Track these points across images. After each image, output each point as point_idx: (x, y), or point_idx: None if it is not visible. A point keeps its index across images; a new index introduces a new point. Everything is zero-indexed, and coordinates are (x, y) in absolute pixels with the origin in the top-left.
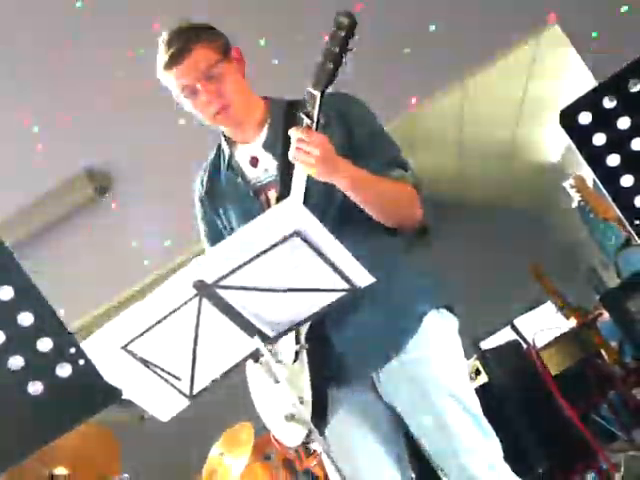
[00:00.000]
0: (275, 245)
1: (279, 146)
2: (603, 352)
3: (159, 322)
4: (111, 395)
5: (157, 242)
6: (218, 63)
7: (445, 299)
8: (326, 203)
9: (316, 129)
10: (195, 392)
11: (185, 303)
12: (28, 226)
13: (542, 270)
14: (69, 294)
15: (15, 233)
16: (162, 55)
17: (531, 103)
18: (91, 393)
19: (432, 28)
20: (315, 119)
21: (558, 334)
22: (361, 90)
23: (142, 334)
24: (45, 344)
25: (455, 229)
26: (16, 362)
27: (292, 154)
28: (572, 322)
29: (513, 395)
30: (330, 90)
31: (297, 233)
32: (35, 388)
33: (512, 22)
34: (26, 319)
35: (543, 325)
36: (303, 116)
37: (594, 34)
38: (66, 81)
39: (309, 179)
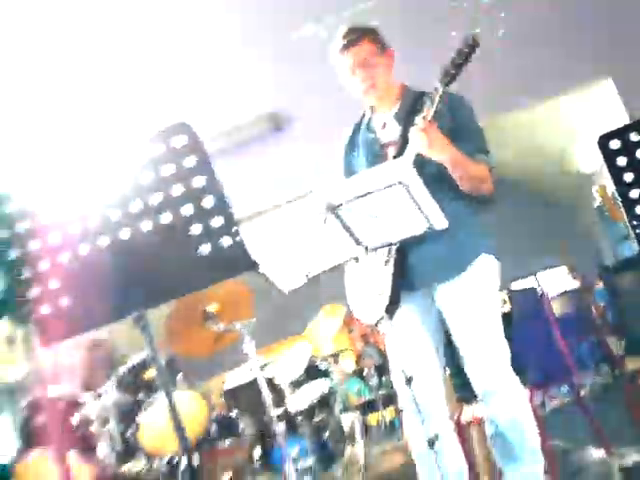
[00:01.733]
0: (385, 187)
1: (404, 119)
2: (593, 308)
3: (299, 225)
4: (252, 265)
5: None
6: (375, 56)
7: (494, 248)
8: (425, 165)
9: (434, 113)
10: (310, 275)
11: (318, 215)
12: (219, 146)
13: (566, 245)
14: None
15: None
16: (339, 41)
17: (581, 129)
18: (240, 260)
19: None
20: (434, 105)
21: (565, 289)
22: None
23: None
24: (217, 221)
25: (511, 206)
26: (196, 229)
27: (412, 134)
28: (576, 283)
29: (525, 323)
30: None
31: (402, 183)
32: (205, 249)
33: (576, 69)
34: (209, 202)
35: (556, 281)
36: (427, 100)
37: None
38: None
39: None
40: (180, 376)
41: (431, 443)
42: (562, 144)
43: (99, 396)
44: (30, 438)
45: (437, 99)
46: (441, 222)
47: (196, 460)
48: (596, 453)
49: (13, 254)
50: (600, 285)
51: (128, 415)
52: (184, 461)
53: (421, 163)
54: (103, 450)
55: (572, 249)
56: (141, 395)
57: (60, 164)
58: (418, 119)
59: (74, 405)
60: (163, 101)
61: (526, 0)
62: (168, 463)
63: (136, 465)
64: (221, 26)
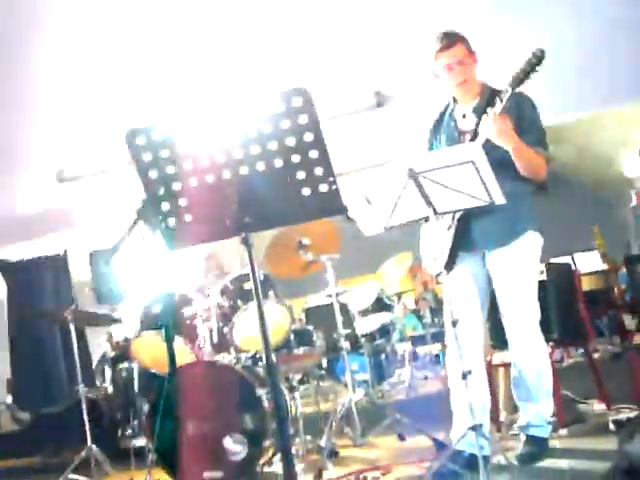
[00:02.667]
0: (458, 164)
1: (480, 112)
2: (615, 289)
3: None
4: (342, 209)
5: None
6: (466, 57)
7: (540, 227)
8: (493, 151)
9: (503, 108)
10: (388, 226)
11: (401, 178)
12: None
13: (600, 233)
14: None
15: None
16: (436, 43)
17: (630, 139)
18: (333, 204)
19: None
20: (503, 103)
21: (595, 270)
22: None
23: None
24: (318, 170)
25: (562, 197)
26: (300, 175)
27: (483, 123)
28: (605, 266)
29: (556, 292)
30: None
31: (472, 162)
32: (305, 192)
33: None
34: (314, 154)
35: (589, 262)
36: (497, 99)
37: None
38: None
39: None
40: (271, 291)
41: (464, 376)
42: (612, 150)
43: (207, 297)
44: (148, 322)
45: (506, 98)
46: (500, 199)
47: (274, 359)
48: (597, 406)
49: (153, 174)
50: (623, 270)
51: (226, 316)
52: (265, 359)
53: (490, 149)
54: (203, 340)
55: (606, 239)
56: (239, 302)
57: (201, 108)
58: (490, 112)
59: (186, 301)
60: (290, 69)
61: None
62: (252, 358)
63: (227, 356)
64: (349, 12)
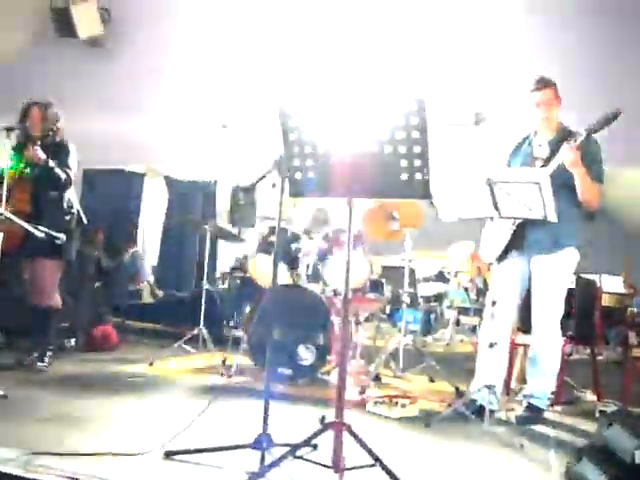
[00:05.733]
0: (527, 182)
1: (553, 145)
2: (628, 310)
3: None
4: (428, 196)
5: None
6: (552, 100)
7: (579, 246)
8: (561, 175)
9: (576, 145)
10: (461, 217)
11: (479, 183)
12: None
13: (631, 265)
14: None
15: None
16: (532, 84)
17: None
18: (422, 190)
19: None
20: (577, 143)
21: (615, 291)
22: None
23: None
24: (417, 162)
25: (607, 226)
26: (403, 163)
27: (563, 150)
28: (624, 290)
29: (580, 300)
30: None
31: (538, 184)
32: (403, 177)
33: None
34: (417, 149)
35: (612, 284)
36: (572, 137)
37: None
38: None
39: (560, 166)
40: (361, 246)
41: (491, 345)
42: None
43: (311, 238)
44: (264, 247)
45: (580, 140)
46: (552, 216)
47: (350, 297)
48: (590, 396)
49: (292, 137)
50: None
51: (322, 255)
52: (343, 295)
53: (559, 173)
54: (301, 269)
55: (635, 268)
56: (334, 248)
57: (337, 97)
58: (567, 145)
59: (295, 238)
60: (412, 83)
61: None
62: (333, 291)
63: (316, 286)
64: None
